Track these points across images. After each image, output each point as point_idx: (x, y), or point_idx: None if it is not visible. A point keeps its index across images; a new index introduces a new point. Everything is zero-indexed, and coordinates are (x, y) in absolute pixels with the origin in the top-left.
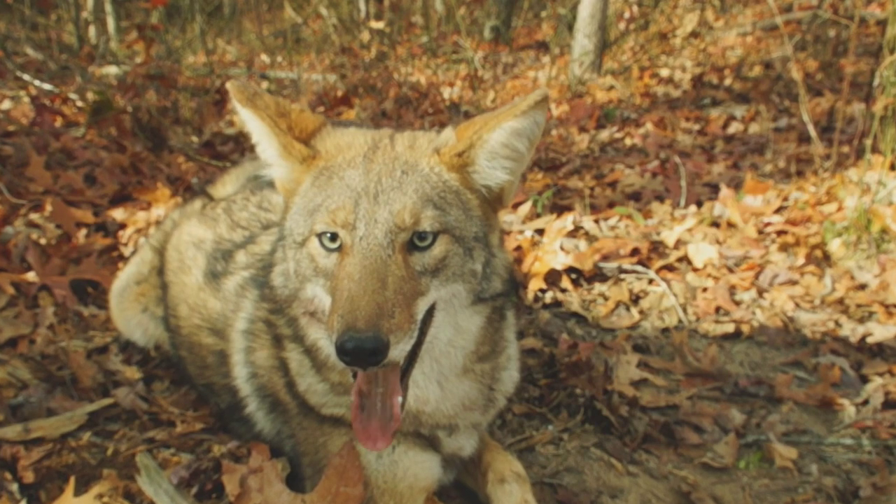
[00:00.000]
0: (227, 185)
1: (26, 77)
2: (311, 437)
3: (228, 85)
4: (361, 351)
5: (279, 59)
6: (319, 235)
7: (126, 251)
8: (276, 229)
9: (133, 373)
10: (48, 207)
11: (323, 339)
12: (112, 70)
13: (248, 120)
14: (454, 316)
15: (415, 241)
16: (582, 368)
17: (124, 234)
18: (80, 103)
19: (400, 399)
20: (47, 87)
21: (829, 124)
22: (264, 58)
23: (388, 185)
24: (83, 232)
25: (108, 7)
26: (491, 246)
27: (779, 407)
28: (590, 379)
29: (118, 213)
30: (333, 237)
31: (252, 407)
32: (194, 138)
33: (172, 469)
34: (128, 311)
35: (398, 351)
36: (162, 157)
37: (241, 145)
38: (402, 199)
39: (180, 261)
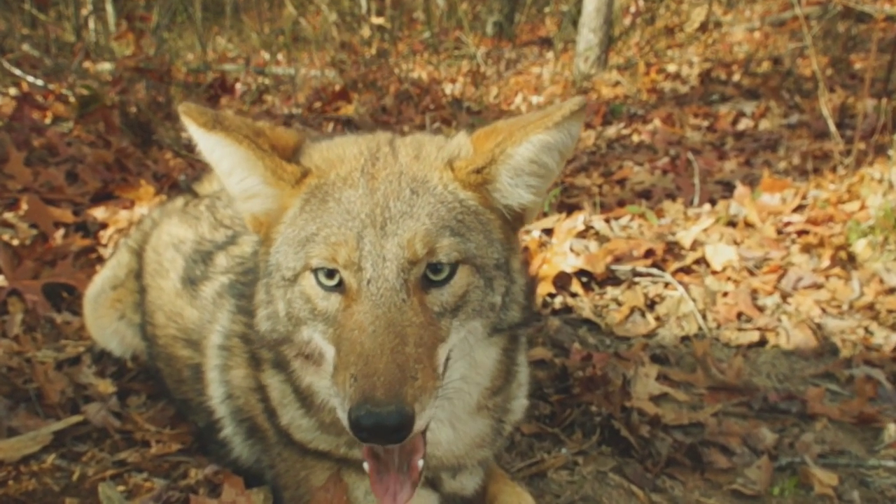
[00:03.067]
0: (214, 182)
1: (18, 72)
2: (292, 470)
3: (181, 108)
4: (383, 429)
5: (279, 56)
6: (315, 271)
7: (106, 252)
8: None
9: (106, 386)
10: (24, 206)
11: (324, 389)
12: (107, 66)
13: (217, 147)
14: (469, 352)
15: (429, 276)
16: (597, 383)
17: (105, 235)
18: (71, 98)
19: (421, 461)
20: (39, 83)
21: (841, 120)
22: (264, 55)
23: (397, 211)
24: (61, 232)
25: (109, 6)
26: (512, 272)
27: (812, 424)
28: (606, 394)
29: (99, 212)
30: (331, 273)
31: (228, 430)
32: (185, 134)
33: (141, 499)
34: (103, 318)
35: (424, 420)
36: (150, 154)
37: None
38: (413, 226)
39: (158, 263)
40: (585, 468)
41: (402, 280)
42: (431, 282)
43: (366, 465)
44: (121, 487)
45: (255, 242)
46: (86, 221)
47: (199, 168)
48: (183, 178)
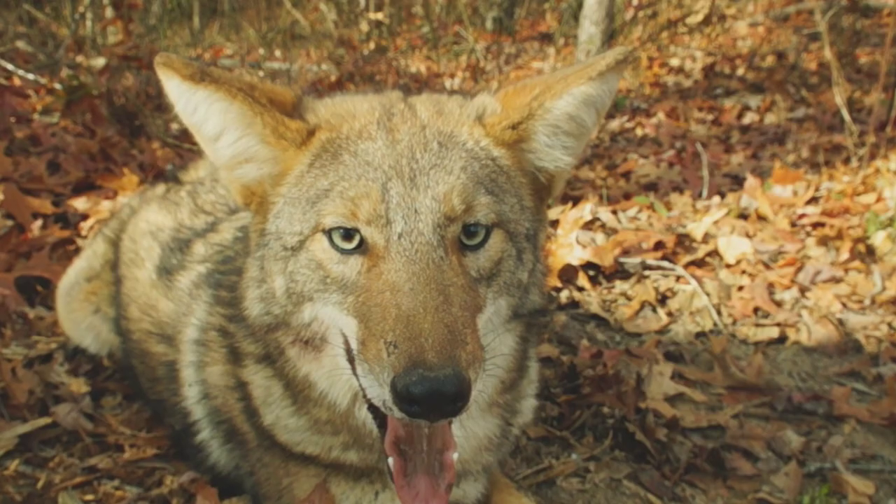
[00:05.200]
0: (199, 169)
1: (10, 67)
2: (273, 477)
3: (158, 59)
4: (440, 397)
5: (277, 53)
6: (329, 232)
7: (85, 244)
8: (240, 219)
9: (79, 386)
10: (0, 195)
11: (324, 377)
12: (102, 62)
13: (203, 104)
14: (488, 337)
15: (462, 239)
16: (609, 382)
17: (86, 226)
18: (57, 86)
19: (455, 454)
20: (31, 76)
21: (849, 114)
22: (262, 52)
23: (427, 163)
24: (38, 223)
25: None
26: (538, 248)
27: (840, 426)
28: (618, 395)
29: (80, 203)
30: (349, 234)
31: (205, 434)
32: (175, 125)
33: None
34: (76, 312)
35: (477, 391)
36: (137, 144)
37: None
38: (447, 179)
39: (134, 252)
40: (597, 475)
41: (438, 236)
42: (465, 245)
43: (390, 462)
44: (90, 496)
45: (237, 228)
46: (66, 212)
47: (186, 158)
48: (170, 168)
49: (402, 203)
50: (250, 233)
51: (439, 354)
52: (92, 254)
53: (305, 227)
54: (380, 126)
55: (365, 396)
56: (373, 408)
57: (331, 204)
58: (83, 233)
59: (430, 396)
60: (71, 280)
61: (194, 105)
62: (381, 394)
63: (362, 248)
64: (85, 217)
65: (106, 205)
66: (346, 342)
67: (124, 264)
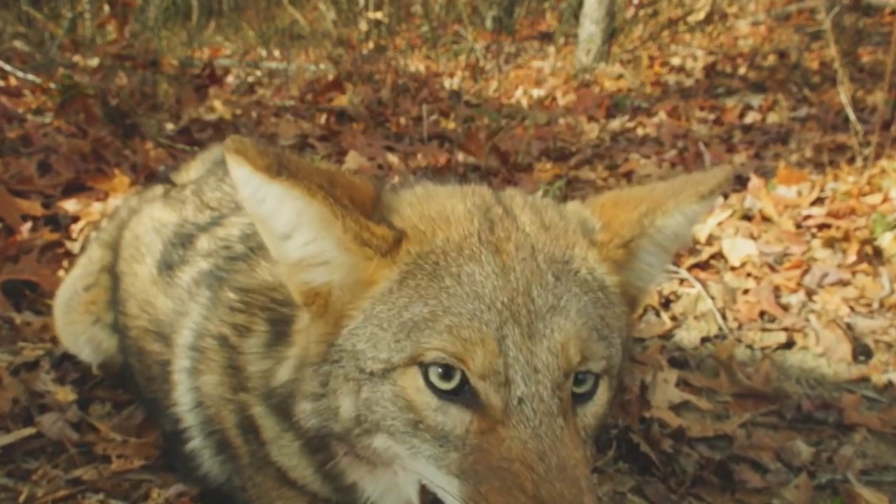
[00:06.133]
0: (191, 171)
1: (7, 67)
2: (265, 498)
3: (229, 143)
4: None
5: (276, 53)
6: (427, 367)
7: (75, 247)
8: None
9: (66, 394)
10: None
11: (377, 488)
12: (96, 61)
13: (278, 198)
14: None
15: (574, 390)
16: None
17: (76, 228)
18: (51, 86)
19: None
20: (29, 77)
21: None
22: (261, 52)
23: (544, 303)
24: (28, 226)
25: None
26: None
27: (850, 436)
28: (622, 403)
29: (70, 205)
30: (449, 373)
31: (196, 443)
32: (171, 125)
33: None
34: (76, 324)
35: None
36: (131, 144)
37: (222, 132)
38: (565, 326)
39: (136, 248)
40: (601, 488)
41: (557, 400)
42: (575, 397)
43: None
44: None
45: (245, 224)
46: (57, 214)
47: (179, 158)
48: (163, 169)
49: (521, 357)
50: (309, 340)
51: None
52: (88, 261)
53: (396, 357)
54: (482, 242)
55: None
56: None
57: (436, 338)
58: (73, 235)
59: None
60: (69, 290)
61: (263, 196)
62: None
63: (466, 396)
64: (76, 219)
65: (97, 206)
66: (422, 485)
67: (124, 260)
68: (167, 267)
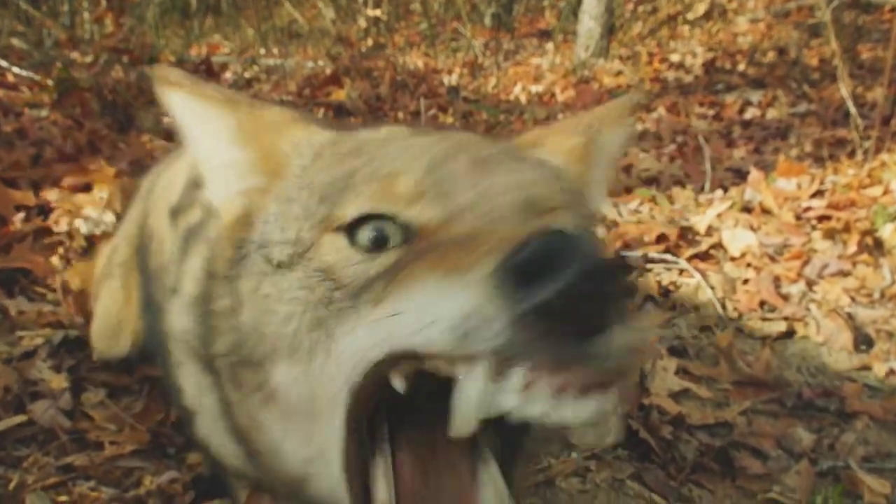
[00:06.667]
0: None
1: (4, 64)
2: None
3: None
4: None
5: (274, 50)
6: (351, 228)
7: (60, 236)
8: None
9: (59, 381)
10: None
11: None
12: (94, 56)
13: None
14: None
15: None
16: None
17: (55, 216)
18: (48, 82)
19: None
20: (25, 73)
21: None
22: (262, 50)
23: (500, 156)
24: (21, 216)
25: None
26: None
27: (852, 423)
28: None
29: (52, 195)
30: (380, 239)
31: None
32: (167, 119)
33: None
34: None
35: None
36: (127, 138)
37: None
38: (532, 173)
39: (159, 196)
40: (599, 475)
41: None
42: None
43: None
44: (64, 497)
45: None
46: (44, 204)
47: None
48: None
49: (470, 183)
50: (219, 253)
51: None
52: (117, 286)
53: (307, 231)
54: (422, 133)
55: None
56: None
57: (356, 192)
58: (57, 226)
59: (578, 254)
60: (104, 325)
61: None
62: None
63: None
64: (57, 209)
65: (81, 197)
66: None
67: (151, 213)
68: (176, 213)
